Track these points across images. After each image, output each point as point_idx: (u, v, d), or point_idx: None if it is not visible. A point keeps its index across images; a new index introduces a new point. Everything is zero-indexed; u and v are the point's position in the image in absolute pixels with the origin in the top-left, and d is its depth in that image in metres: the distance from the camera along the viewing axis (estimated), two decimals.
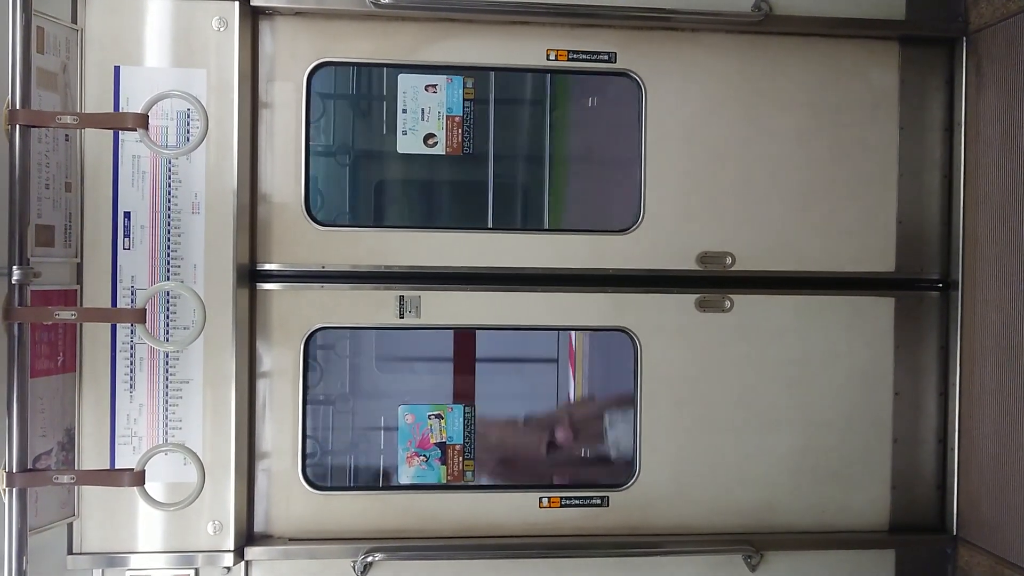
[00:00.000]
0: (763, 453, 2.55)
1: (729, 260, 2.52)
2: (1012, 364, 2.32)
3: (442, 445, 2.53)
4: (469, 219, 3.05)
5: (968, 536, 2.50)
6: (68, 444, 2.22)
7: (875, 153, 2.56)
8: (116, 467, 2.23)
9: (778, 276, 2.55)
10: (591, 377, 2.92)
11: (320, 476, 2.56)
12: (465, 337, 2.81)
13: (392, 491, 2.52)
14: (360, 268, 2.44)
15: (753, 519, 2.55)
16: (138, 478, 2.02)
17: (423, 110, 2.49)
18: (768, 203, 2.53)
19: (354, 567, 2.36)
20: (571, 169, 2.98)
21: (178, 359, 2.26)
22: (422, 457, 2.52)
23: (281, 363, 2.42)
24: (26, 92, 1.92)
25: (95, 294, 2.24)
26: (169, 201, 2.26)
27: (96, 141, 2.23)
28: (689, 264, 2.52)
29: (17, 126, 1.91)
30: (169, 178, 2.25)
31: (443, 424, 2.53)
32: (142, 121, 2.01)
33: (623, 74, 2.50)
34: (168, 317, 2.25)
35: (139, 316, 2.02)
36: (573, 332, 2.88)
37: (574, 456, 2.82)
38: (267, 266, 2.41)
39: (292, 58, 2.40)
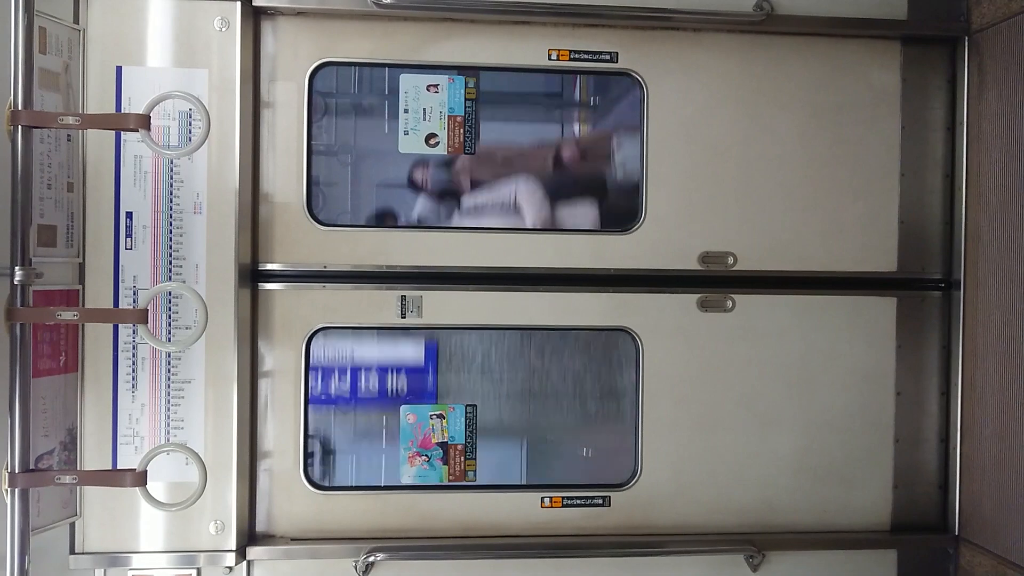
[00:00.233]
0: (765, 453, 2.55)
1: (731, 260, 2.53)
2: (1014, 363, 2.32)
3: (444, 445, 2.53)
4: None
5: (970, 536, 2.50)
6: (70, 444, 2.22)
7: (877, 153, 2.56)
8: (118, 467, 2.23)
9: (780, 276, 2.54)
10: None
11: None
12: None
13: (394, 491, 2.52)
14: (362, 268, 2.44)
15: (754, 519, 2.55)
16: (140, 478, 2.02)
17: (425, 110, 2.49)
18: (770, 203, 2.53)
19: (356, 567, 2.37)
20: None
21: (180, 359, 2.27)
22: (424, 457, 2.52)
23: (283, 363, 2.42)
24: (28, 92, 1.93)
25: (97, 294, 2.24)
26: (171, 201, 2.26)
27: (98, 141, 2.23)
28: (691, 264, 2.52)
29: (19, 126, 1.91)
30: (171, 178, 2.26)
31: (445, 424, 2.53)
32: (144, 122, 2.01)
33: (625, 74, 2.50)
34: (170, 317, 2.26)
35: (141, 316, 2.03)
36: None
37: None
38: (269, 266, 2.41)
39: (294, 58, 2.41)
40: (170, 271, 2.26)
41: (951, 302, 2.58)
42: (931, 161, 2.58)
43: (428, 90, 2.49)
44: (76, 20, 2.22)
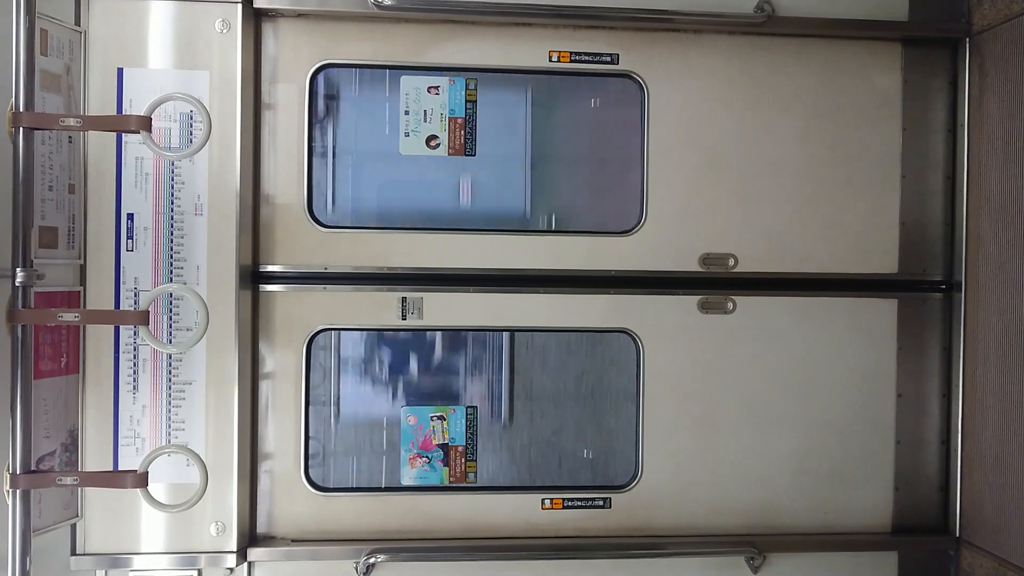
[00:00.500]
0: (766, 454, 2.55)
1: (731, 261, 2.52)
2: (1015, 365, 2.31)
3: (444, 447, 2.53)
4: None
5: (971, 538, 2.50)
6: (71, 445, 2.22)
7: (878, 154, 2.56)
8: (119, 468, 2.24)
9: (780, 277, 2.54)
10: None
11: None
12: None
13: (394, 492, 2.52)
14: (362, 269, 2.44)
15: (755, 520, 2.55)
16: (141, 479, 2.03)
17: (425, 111, 2.49)
18: (771, 204, 2.53)
19: (356, 568, 2.37)
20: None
21: (181, 361, 2.27)
22: (424, 458, 2.52)
23: (284, 364, 2.43)
24: (30, 94, 1.93)
25: (98, 296, 2.25)
26: (172, 203, 2.26)
27: (99, 143, 2.23)
28: (691, 265, 2.52)
29: (21, 128, 1.92)
30: (172, 180, 2.26)
31: (445, 426, 2.53)
32: (145, 123, 2.01)
33: (625, 76, 2.50)
34: (171, 319, 2.26)
35: (142, 318, 2.03)
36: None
37: None
38: (270, 267, 2.41)
39: (294, 60, 2.41)
40: (171, 273, 2.26)
41: (952, 304, 2.58)
42: (932, 163, 2.58)
43: (429, 92, 2.49)
44: (77, 22, 2.22)
